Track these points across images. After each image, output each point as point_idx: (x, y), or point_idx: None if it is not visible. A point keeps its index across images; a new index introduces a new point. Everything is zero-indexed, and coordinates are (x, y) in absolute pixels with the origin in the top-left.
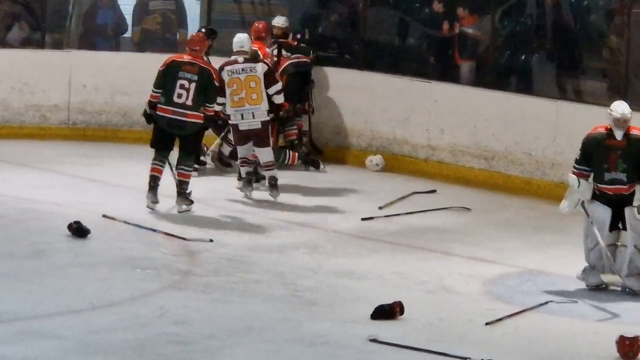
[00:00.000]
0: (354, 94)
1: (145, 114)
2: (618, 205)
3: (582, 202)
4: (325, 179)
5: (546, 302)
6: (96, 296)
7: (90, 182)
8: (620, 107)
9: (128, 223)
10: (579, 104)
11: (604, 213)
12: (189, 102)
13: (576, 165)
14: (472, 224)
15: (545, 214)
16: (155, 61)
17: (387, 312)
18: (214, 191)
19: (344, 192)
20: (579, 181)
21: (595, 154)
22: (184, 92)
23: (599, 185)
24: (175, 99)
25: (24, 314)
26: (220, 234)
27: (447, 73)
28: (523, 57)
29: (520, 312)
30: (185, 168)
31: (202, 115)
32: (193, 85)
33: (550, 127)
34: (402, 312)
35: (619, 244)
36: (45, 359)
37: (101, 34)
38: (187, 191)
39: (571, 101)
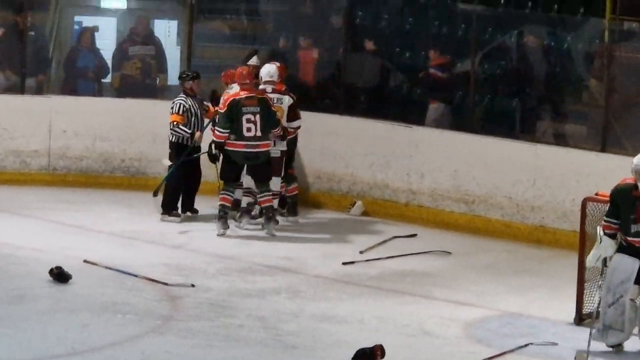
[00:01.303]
0: (335, 139)
1: (210, 154)
2: None
3: (605, 259)
4: (306, 223)
5: (526, 345)
6: (77, 341)
7: (71, 228)
8: (637, 158)
9: (109, 268)
10: (559, 147)
11: (632, 265)
12: (259, 134)
13: (605, 218)
14: (453, 267)
15: (525, 257)
16: (136, 107)
17: (368, 355)
18: (195, 236)
19: (325, 236)
20: (600, 238)
21: (622, 206)
22: (252, 126)
23: (627, 237)
24: (246, 134)
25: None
26: (202, 278)
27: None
28: (503, 100)
29: (500, 355)
30: (266, 195)
31: (270, 142)
32: (258, 117)
33: (530, 171)
34: (383, 355)
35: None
36: None
37: (83, 77)
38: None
39: (551, 145)
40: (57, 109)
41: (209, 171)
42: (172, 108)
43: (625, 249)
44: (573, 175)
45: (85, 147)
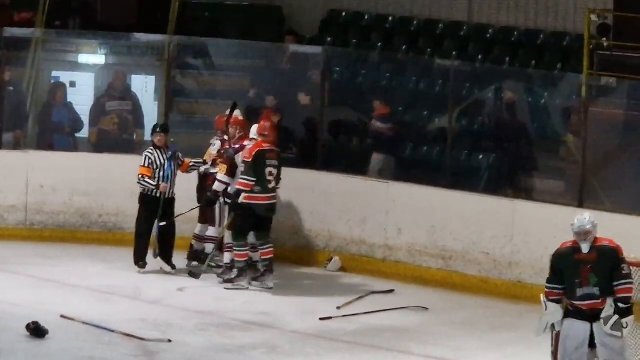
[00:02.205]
0: (312, 195)
1: (234, 202)
2: (593, 320)
3: (553, 325)
4: (283, 279)
5: None
6: None
7: (48, 283)
8: (578, 220)
9: (86, 323)
10: (537, 203)
11: (584, 330)
12: (275, 185)
13: (547, 285)
14: (430, 323)
15: (503, 313)
16: (113, 162)
17: None
18: (173, 291)
19: (301, 292)
20: (545, 305)
21: (566, 271)
22: (272, 178)
23: (573, 301)
24: (268, 186)
25: None
26: (179, 334)
27: (404, 172)
28: (480, 156)
29: None
30: (269, 247)
31: None
32: (276, 170)
33: (507, 227)
34: None
35: None
36: None
37: (58, 132)
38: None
39: (528, 200)
40: (34, 164)
41: (185, 226)
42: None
43: (573, 313)
44: (551, 231)
45: (63, 202)
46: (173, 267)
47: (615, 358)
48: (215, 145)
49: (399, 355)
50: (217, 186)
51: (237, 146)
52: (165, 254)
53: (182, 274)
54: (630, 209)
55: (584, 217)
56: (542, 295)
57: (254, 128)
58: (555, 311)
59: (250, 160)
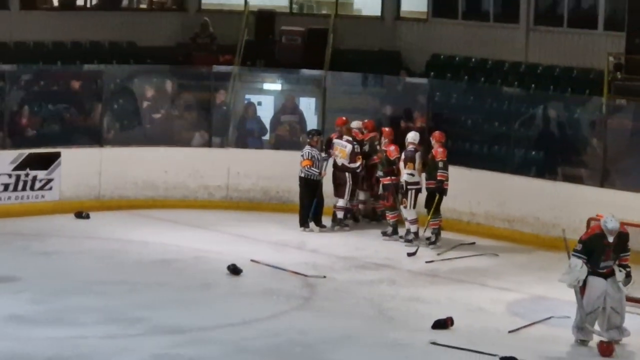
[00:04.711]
0: None
1: (441, 189)
2: (606, 278)
3: (578, 281)
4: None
5: (549, 317)
6: (247, 314)
7: (242, 238)
8: (612, 221)
9: (268, 265)
10: (571, 184)
11: (604, 284)
12: None
13: (576, 253)
14: (499, 265)
15: (548, 259)
16: (287, 157)
17: (443, 324)
18: (326, 244)
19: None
20: (576, 264)
21: (595, 250)
22: None
23: (597, 269)
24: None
25: (197, 327)
26: (330, 272)
27: (481, 164)
28: (533, 152)
29: (531, 324)
30: (440, 219)
31: None
32: None
33: (552, 200)
34: (452, 324)
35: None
36: (210, 359)
37: (250, 136)
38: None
39: (565, 182)
40: (233, 158)
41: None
42: (302, 156)
43: (595, 273)
44: (581, 202)
45: (252, 184)
46: (324, 226)
47: (618, 304)
48: (347, 147)
49: (478, 287)
50: (409, 178)
51: (411, 150)
52: (319, 219)
53: (330, 231)
54: (635, 188)
55: (615, 221)
56: (573, 256)
57: (412, 135)
58: (581, 270)
59: (445, 159)
